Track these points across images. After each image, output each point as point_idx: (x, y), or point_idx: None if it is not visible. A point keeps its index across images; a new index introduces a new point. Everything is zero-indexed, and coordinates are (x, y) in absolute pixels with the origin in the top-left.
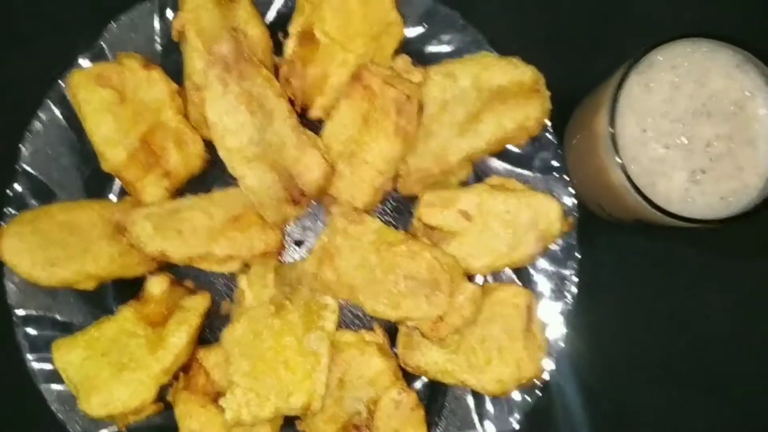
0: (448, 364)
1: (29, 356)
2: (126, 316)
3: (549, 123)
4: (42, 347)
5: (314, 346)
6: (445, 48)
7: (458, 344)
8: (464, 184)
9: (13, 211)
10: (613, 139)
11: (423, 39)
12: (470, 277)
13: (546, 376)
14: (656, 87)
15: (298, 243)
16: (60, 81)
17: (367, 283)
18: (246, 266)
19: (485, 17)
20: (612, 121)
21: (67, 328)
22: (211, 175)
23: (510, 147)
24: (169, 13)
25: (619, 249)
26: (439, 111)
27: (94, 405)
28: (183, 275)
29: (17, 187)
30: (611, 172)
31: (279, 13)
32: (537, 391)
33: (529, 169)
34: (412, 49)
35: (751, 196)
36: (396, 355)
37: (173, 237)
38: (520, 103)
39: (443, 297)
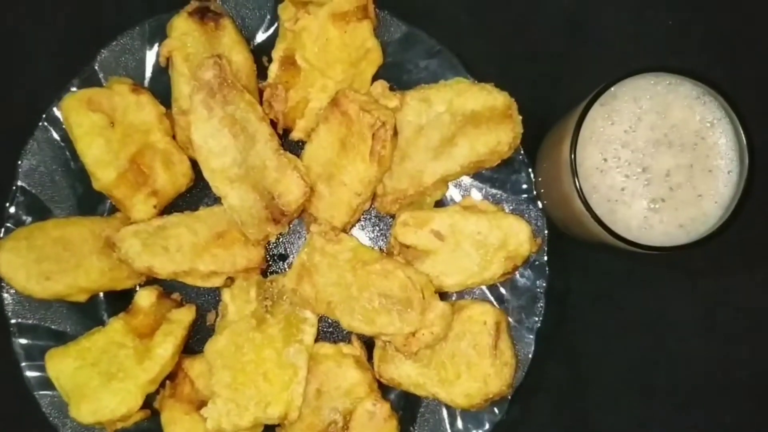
0: (420, 378)
1: (24, 364)
2: (116, 327)
3: (521, 147)
4: (36, 355)
5: (293, 358)
6: (422, 73)
7: (430, 359)
8: (439, 202)
9: (10, 226)
10: (574, 167)
11: (400, 65)
12: (443, 294)
13: (515, 390)
14: (618, 118)
15: (283, 257)
16: (56, 102)
17: (343, 300)
18: (230, 280)
19: (462, 42)
20: (573, 151)
21: (61, 337)
22: (197, 193)
23: (483, 168)
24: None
25: (588, 266)
26: (415, 135)
27: (84, 412)
28: (171, 288)
29: (14, 203)
30: (574, 199)
31: (265, 38)
32: (505, 405)
33: (502, 189)
34: (389, 74)
35: (708, 224)
36: (372, 367)
37: (160, 253)
38: (492, 128)
39: (415, 314)
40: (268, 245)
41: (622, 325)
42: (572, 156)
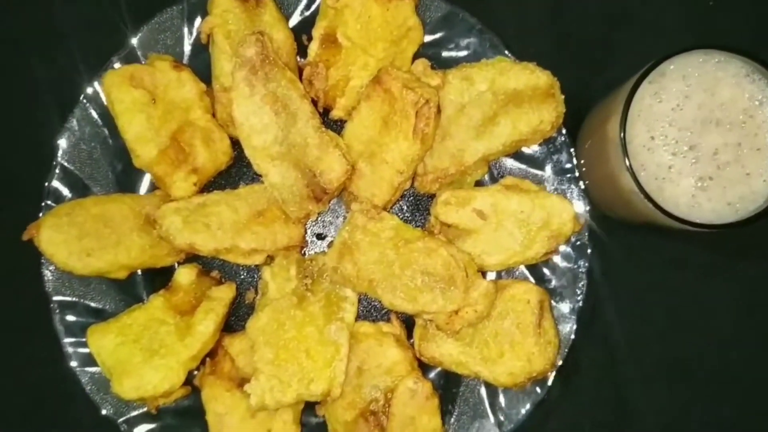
0: (462, 356)
1: (65, 340)
2: (156, 304)
3: (563, 126)
4: (77, 332)
5: (334, 336)
6: (463, 52)
7: (472, 337)
8: (479, 183)
9: (51, 204)
10: (623, 145)
11: (441, 43)
12: (483, 274)
13: (556, 370)
14: (666, 96)
15: (320, 237)
16: (94, 80)
17: (385, 278)
18: (270, 258)
19: (502, 22)
20: (623, 128)
21: (100, 315)
22: (237, 171)
23: (524, 148)
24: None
25: (628, 248)
26: (457, 114)
27: (126, 388)
28: (209, 266)
29: (54, 181)
30: (621, 177)
31: (302, 18)
32: (547, 384)
33: (543, 170)
34: (430, 53)
35: (757, 202)
36: (412, 345)
37: (201, 230)
38: (534, 107)
39: (458, 292)
40: (306, 224)
41: (660, 305)
42: (622, 134)
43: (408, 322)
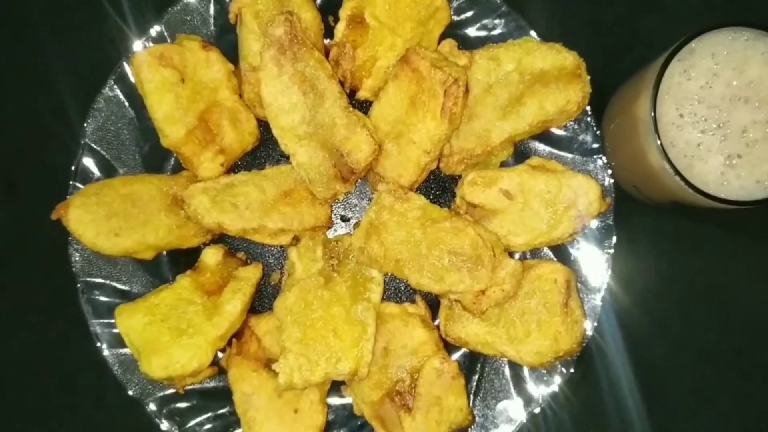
0: (489, 336)
1: (93, 321)
2: (183, 284)
3: (588, 107)
4: (104, 313)
5: (361, 316)
6: (489, 33)
7: (498, 317)
8: (504, 164)
9: (78, 185)
10: (654, 122)
11: (468, 24)
12: (510, 254)
13: (580, 351)
14: (695, 73)
15: (344, 219)
16: (122, 60)
17: (412, 257)
18: (296, 239)
19: (528, 3)
20: (654, 106)
21: (126, 296)
22: (263, 151)
23: (550, 129)
24: None
25: (653, 229)
26: (483, 94)
27: (155, 367)
28: (235, 248)
29: (82, 161)
30: (650, 154)
31: None
32: (572, 364)
33: (569, 150)
34: (457, 34)
35: None
36: (437, 326)
37: (229, 210)
38: (561, 88)
39: (485, 272)
40: (331, 206)
41: (684, 287)
42: (653, 112)
43: (433, 303)
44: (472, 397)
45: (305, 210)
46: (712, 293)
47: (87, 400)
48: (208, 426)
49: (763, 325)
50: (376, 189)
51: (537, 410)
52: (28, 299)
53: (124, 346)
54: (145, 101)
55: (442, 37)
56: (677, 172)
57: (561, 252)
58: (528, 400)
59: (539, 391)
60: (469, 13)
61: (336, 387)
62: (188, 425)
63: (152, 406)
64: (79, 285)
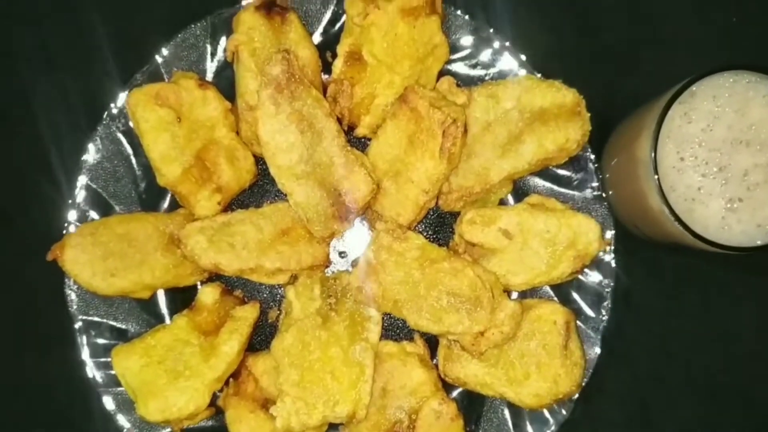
0: (488, 377)
1: (89, 360)
2: (180, 324)
3: (588, 144)
4: (100, 352)
5: (359, 357)
6: (488, 70)
7: (497, 358)
8: (503, 200)
9: (74, 221)
10: (654, 166)
11: (467, 60)
12: (508, 293)
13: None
14: (696, 116)
15: (342, 254)
16: (118, 98)
17: (410, 298)
18: (293, 277)
19: (528, 39)
20: (654, 150)
21: (123, 334)
22: (260, 188)
23: (550, 166)
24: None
25: (654, 265)
26: (482, 132)
27: (152, 410)
28: (232, 284)
29: (78, 199)
30: (650, 197)
31: (325, 34)
32: (571, 405)
33: (568, 187)
34: (456, 71)
35: None
36: (436, 365)
37: (226, 250)
38: (560, 125)
39: (484, 314)
40: (329, 245)
41: (685, 324)
42: (653, 155)
43: (431, 341)
44: None
45: (303, 249)
46: (712, 330)
47: None
48: None
49: (765, 361)
50: (375, 227)
51: None
52: (22, 336)
53: (119, 384)
54: (140, 140)
55: (441, 74)
56: (677, 217)
57: (560, 289)
58: None
59: (538, 431)
60: (468, 50)
61: (334, 427)
62: None
63: None
64: (75, 324)
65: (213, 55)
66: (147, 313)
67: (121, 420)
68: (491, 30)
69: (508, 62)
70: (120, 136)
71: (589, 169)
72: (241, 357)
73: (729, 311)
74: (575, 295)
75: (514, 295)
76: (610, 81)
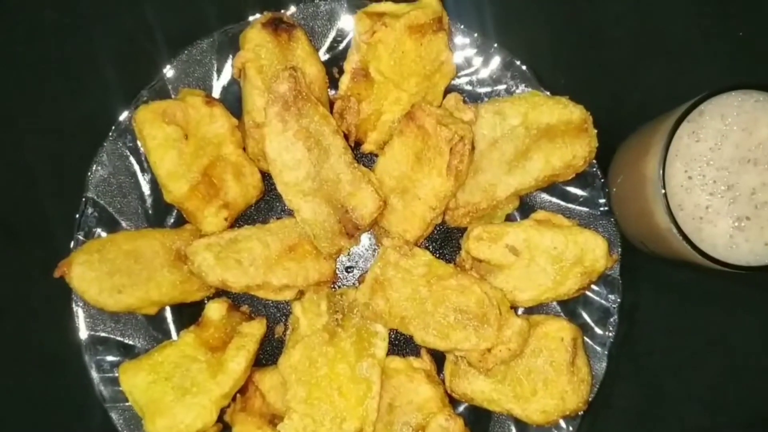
0: (494, 394)
1: (96, 376)
2: (187, 341)
3: (594, 160)
4: (107, 368)
5: (366, 373)
6: (496, 86)
7: (504, 375)
8: (510, 216)
9: (81, 238)
10: (663, 186)
11: (473, 77)
12: (514, 309)
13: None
14: (704, 135)
15: (349, 269)
16: (125, 114)
17: (417, 315)
18: (300, 293)
19: (535, 55)
20: (662, 169)
21: (130, 350)
22: (267, 204)
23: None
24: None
25: (660, 281)
26: (489, 148)
27: (159, 428)
28: (239, 300)
29: (84, 215)
30: (657, 215)
31: (332, 51)
32: (578, 421)
33: (575, 203)
34: (462, 87)
35: None
36: (443, 381)
37: (233, 267)
38: (567, 142)
39: (492, 330)
40: (335, 261)
41: (691, 340)
42: (661, 173)
43: (438, 356)
44: None
45: (310, 265)
46: (721, 343)
47: None
48: None
49: None
50: (381, 243)
51: None
52: (29, 352)
53: (127, 400)
54: (147, 157)
55: (448, 90)
56: (685, 237)
57: (567, 305)
58: None
59: None
60: (475, 66)
61: None
62: None
63: None
64: (82, 341)
65: (220, 71)
66: (154, 329)
67: None
68: (497, 46)
69: (514, 78)
70: (127, 152)
71: (596, 186)
72: (248, 373)
73: (735, 327)
74: (582, 311)
75: (521, 311)
76: (615, 96)
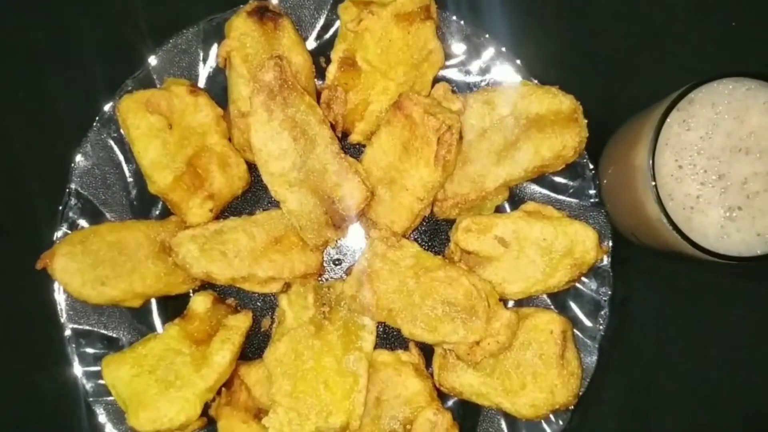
0: (483, 387)
1: (79, 370)
2: (171, 334)
3: (585, 151)
4: (91, 362)
5: (353, 366)
6: (484, 76)
7: (493, 368)
8: (499, 208)
9: (65, 230)
10: (653, 175)
11: (462, 66)
12: (504, 302)
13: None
14: (695, 124)
15: (336, 262)
16: (109, 104)
17: (405, 307)
18: (286, 286)
19: (524, 45)
20: (652, 159)
21: (114, 343)
22: (253, 196)
23: (546, 173)
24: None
25: (651, 273)
26: (478, 138)
27: (142, 421)
28: (224, 293)
29: (68, 206)
30: (647, 206)
31: (319, 40)
32: (568, 415)
33: (565, 194)
34: (450, 77)
35: None
36: (431, 375)
37: (218, 259)
38: (557, 132)
39: (480, 323)
40: (322, 253)
41: (683, 334)
42: (651, 163)
43: (427, 350)
44: None
45: (296, 257)
46: (711, 339)
47: None
48: None
49: (766, 370)
50: (369, 235)
51: None
52: (10, 346)
53: (110, 394)
54: (131, 147)
55: (436, 80)
56: (675, 227)
57: (557, 298)
58: None
59: None
60: (463, 56)
61: None
62: None
63: None
64: (65, 333)
65: (205, 61)
66: (138, 322)
67: (112, 430)
68: (486, 36)
69: (503, 68)
70: (111, 142)
71: (586, 177)
72: (233, 367)
73: (727, 319)
74: (572, 304)
75: (510, 303)
76: (607, 88)
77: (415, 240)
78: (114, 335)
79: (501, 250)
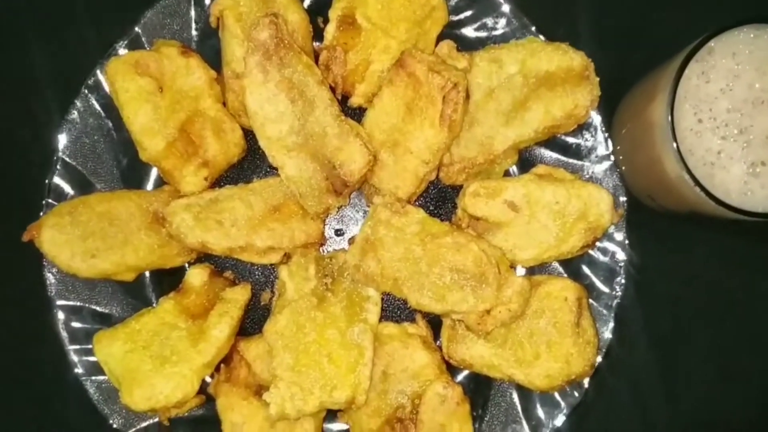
0: (495, 358)
1: (70, 347)
2: (167, 308)
3: (597, 111)
4: (82, 339)
5: (357, 339)
6: (490, 33)
7: (505, 338)
8: (508, 172)
9: (52, 202)
10: (672, 129)
11: (467, 23)
12: (514, 268)
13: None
14: (714, 75)
15: (339, 233)
16: (96, 69)
17: (411, 276)
18: (286, 257)
19: (532, 2)
20: (671, 111)
21: (107, 320)
22: (250, 164)
23: (557, 134)
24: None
25: (667, 239)
26: (485, 98)
27: (137, 399)
28: (222, 266)
29: (55, 177)
30: (666, 163)
31: None
32: (584, 387)
33: (577, 157)
34: (455, 34)
35: None
36: (440, 347)
37: (214, 228)
38: (568, 90)
39: (490, 290)
40: (324, 221)
41: (701, 302)
42: (669, 118)
43: (434, 322)
44: (477, 421)
45: (296, 226)
46: (731, 307)
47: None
48: None
49: None
50: (372, 202)
51: None
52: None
53: (103, 372)
54: (121, 112)
55: (440, 37)
56: (697, 182)
57: (571, 266)
58: (537, 425)
59: (548, 415)
60: (468, 12)
61: (332, 413)
62: None
63: None
64: (55, 309)
65: (197, 22)
66: (131, 296)
67: (105, 410)
68: None
69: (511, 25)
70: (99, 109)
71: (598, 137)
72: (231, 341)
73: (747, 285)
74: (586, 271)
75: (522, 271)
76: (620, 45)
77: (421, 207)
78: (106, 311)
79: (511, 215)
